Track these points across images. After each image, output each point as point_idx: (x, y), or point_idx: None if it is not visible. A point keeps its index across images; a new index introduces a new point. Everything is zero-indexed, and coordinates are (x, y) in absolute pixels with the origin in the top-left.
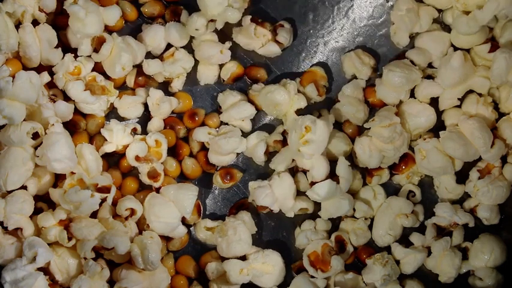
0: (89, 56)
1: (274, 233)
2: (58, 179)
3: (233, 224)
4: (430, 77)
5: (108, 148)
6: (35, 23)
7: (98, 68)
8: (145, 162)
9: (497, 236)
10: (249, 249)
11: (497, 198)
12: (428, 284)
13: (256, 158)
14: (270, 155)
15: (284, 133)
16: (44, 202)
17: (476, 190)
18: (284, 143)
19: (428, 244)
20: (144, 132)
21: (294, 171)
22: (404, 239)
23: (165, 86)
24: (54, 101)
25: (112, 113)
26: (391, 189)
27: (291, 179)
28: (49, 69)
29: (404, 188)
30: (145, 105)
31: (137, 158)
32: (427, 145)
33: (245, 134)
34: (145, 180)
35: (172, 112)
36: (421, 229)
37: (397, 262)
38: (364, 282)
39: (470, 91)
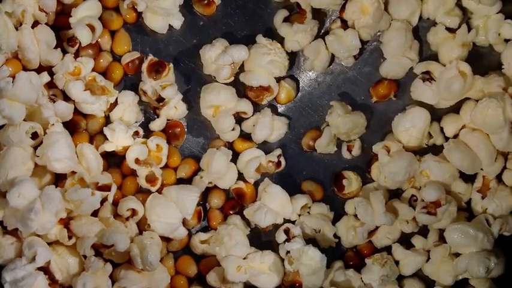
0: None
1: (274, 232)
2: (58, 179)
3: (226, 230)
4: (428, 73)
5: (108, 147)
6: (36, 23)
7: (97, 68)
8: (145, 166)
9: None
10: (248, 249)
11: (508, 207)
12: (427, 283)
13: (247, 175)
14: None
15: (279, 157)
16: None
17: (485, 209)
18: (278, 165)
19: (429, 248)
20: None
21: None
22: (405, 241)
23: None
24: (54, 101)
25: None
26: (393, 192)
27: (278, 186)
28: (49, 69)
29: (407, 192)
30: (146, 110)
31: (137, 161)
32: (426, 164)
33: None
34: (143, 183)
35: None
36: (424, 231)
37: (397, 262)
38: (363, 281)
39: None
